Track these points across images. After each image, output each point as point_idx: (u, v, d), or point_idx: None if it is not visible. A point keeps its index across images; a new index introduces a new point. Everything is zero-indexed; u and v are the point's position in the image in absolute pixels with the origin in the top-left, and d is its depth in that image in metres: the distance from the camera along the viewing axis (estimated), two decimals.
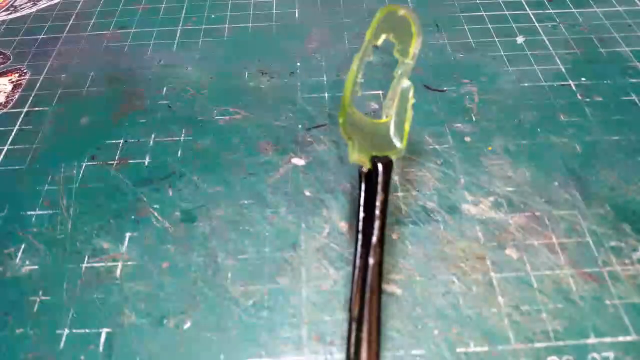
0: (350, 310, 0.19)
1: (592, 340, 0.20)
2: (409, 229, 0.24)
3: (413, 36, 0.24)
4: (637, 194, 0.25)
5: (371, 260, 0.19)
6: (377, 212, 0.20)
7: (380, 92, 0.31)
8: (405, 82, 0.24)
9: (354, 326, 0.19)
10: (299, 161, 0.28)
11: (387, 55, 0.25)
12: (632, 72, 0.32)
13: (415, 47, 0.24)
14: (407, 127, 0.23)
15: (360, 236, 0.21)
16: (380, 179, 0.21)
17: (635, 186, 0.26)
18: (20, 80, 0.34)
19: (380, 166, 0.21)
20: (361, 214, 0.21)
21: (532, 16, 0.37)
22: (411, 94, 0.24)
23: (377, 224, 0.20)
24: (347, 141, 0.22)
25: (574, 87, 0.31)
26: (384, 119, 0.24)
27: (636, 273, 0.22)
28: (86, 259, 0.24)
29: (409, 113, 0.24)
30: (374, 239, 0.20)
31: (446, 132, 0.29)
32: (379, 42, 0.23)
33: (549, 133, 0.29)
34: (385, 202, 0.21)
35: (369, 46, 0.23)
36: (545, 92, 0.31)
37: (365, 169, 0.22)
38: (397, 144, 0.23)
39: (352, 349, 0.18)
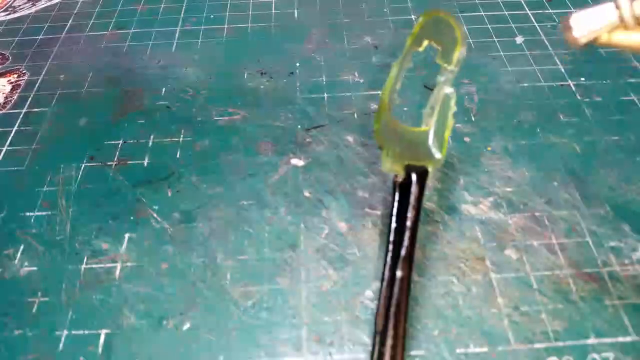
0: (375, 323, 0.19)
1: (592, 340, 0.20)
2: None
3: (457, 42, 0.23)
4: (637, 194, 0.25)
5: (399, 274, 0.19)
6: (409, 223, 0.20)
7: (379, 92, 0.31)
8: (448, 89, 0.23)
9: (377, 339, 0.19)
10: (298, 162, 0.28)
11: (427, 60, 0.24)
12: (632, 72, 0.32)
13: (459, 53, 0.23)
14: (447, 135, 0.23)
15: (391, 247, 0.20)
16: (413, 189, 0.21)
17: (635, 186, 0.26)
18: (19, 80, 0.34)
19: (414, 176, 0.21)
20: (393, 225, 0.21)
21: (531, 16, 0.37)
22: (453, 101, 0.23)
23: (407, 235, 0.20)
24: (381, 149, 0.21)
25: (573, 87, 0.31)
26: (423, 128, 0.24)
27: (636, 273, 0.22)
28: (85, 260, 0.24)
29: (450, 121, 0.23)
30: (403, 251, 0.20)
31: None
32: (422, 47, 0.23)
33: (548, 133, 0.28)
34: (417, 214, 0.20)
35: (409, 52, 0.22)
36: (545, 92, 0.31)
37: (399, 178, 0.21)
38: (436, 153, 0.23)
39: None
